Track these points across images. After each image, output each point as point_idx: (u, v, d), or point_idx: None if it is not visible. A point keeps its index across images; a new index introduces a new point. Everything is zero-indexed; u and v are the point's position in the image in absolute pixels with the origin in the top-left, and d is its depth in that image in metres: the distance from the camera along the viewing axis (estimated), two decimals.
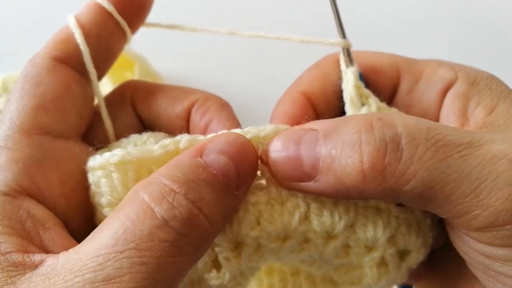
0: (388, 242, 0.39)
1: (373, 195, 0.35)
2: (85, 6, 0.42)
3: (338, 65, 0.44)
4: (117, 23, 0.42)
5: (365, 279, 0.40)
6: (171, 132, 0.43)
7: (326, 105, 0.43)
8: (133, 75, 0.76)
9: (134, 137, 0.41)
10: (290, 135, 0.37)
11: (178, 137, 0.37)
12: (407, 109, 0.43)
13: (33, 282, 0.32)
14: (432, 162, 0.33)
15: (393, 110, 0.42)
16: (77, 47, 0.40)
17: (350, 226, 0.38)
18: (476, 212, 0.33)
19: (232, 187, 0.34)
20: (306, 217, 0.37)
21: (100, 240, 0.32)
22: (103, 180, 0.37)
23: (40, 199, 0.37)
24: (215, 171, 0.34)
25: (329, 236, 0.38)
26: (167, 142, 0.37)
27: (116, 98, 0.44)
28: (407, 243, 0.39)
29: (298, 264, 0.42)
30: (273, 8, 0.88)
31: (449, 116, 0.41)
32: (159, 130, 0.43)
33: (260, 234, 0.37)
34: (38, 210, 0.36)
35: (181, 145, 0.36)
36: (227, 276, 0.38)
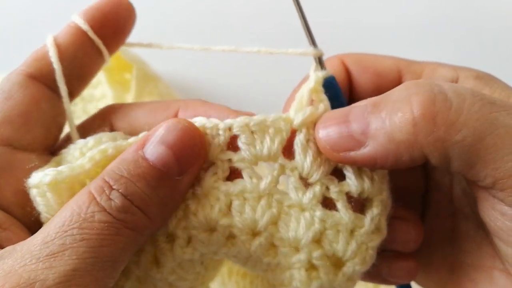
0: (313, 244, 0.38)
1: (424, 148, 0.35)
2: (64, 27, 0.44)
3: (344, 65, 0.46)
4: (94, 43, 0.44)
5: (294, 281, 0.40)
6: None
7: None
8: (132, 77, 0.76)
9: (80, 143, 0.41)
10: (337, 111, 0.39)
11: (104, 146, 0.39)
12: None
13: None
14: (481, 114, 0.33)
15: None
16: (50, 65, 0.42)
17: (274, 224, 0.39)
18: None
19: (173, 174, 0.37)
20: (227, 212, 0.38)
21: (50, 224, 0.35)
22: (38, 199, 0.38)
23: None
24: (151, 163, 0.36)
25: (253, 232, 0.39)
26: (95, 153, 0.39)
27: (94, 122, 0.45)
28: (336, 249, 0.39)
29: (238, 264, 0.43)
30: (265, 16, 0.88)
31: None
32: None
33: (186, 225, 0.39)
34: None
35: (109, 153, 0.39)
36: (165, 269, 0.40)
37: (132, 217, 0.36)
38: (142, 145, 0.37)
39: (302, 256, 0.39)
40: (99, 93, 0.83)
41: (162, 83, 0.80)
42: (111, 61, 0.77)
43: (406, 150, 0.35)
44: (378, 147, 0.36)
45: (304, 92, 0.40)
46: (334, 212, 0.39)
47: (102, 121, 0.45)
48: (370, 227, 0.39)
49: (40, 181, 0.38)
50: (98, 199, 0.35)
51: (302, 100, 0.40)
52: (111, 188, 0.36)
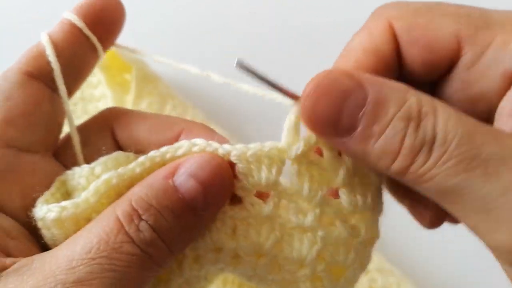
0: (317, 259, 0.40)
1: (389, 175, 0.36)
2: (58, 23, 0.43)
3: (391, 32, 0.39)
4: (88, 40, 0.43)
5: None
6: None
7: None
8: (132, 78, 0.77)
9: (86, 170, 0.40)
10: (339, 81, 0.35)
11: (107, 176, 0.38)
12: (465, 89, 0.38)
13: (4, 280, 0.34)
14: (452, 172, 0.32)
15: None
16: (48, 63, 0.41)
17: (277, 243, 0.40)
18: (489, 234, 0.33)
19: (198, 209, 0.36)
20: (233, 235, 0.39)
21: (75, 247, 0.35)
22: (43, 232, 0.38)
23: (1, 210, 0.38)
24: (181, 195, 0.36)
25: (258, 254, 0.40)
26: (99, 185, 0.38)
27: (95, 124, 0.44)
28: (337, 260, 0.41)
29: (243, 279, 0.44)
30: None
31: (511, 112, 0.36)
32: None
33: (194, 246, 0.39)
34: (3, 219, 0.37)
35: (113, 183, 0.38)
36: (173, 284, 0.41)
37: (157, 251, 0.35)
38: (172, 174, 0.36)
39: (307, 271, 0.40)
40: (99, 93, 0.83)
41: (162, 84, 0.80)
42: (111, 62, 0.78)
43: (374, 168, 0.37)
44: (352, 150, 0.36)
45: (291, 122, 0.39)
46: (333, 229, 0.40)
47: (103, 125, 0.44)
48: (366, 236, 0.41)
49: (45, 216, 0.38)
50: (126, 228, 0.35)
51: (290, 131, 0.39)
52: (139, 217, 0.35)
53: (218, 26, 0.87)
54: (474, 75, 0.37)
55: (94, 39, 0.43)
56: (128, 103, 0.76)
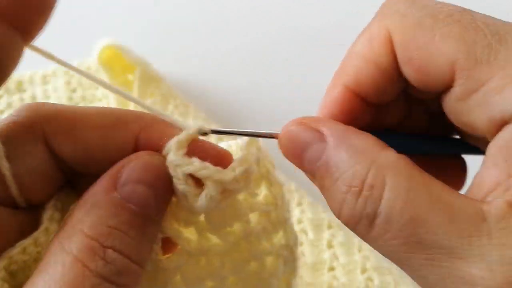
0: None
1: None
2: None
3: (390, 45, 0.37)
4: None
5: None
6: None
7: (378, 97, 0.39)
8: (135, 78, 0.77)
9: (27, 243, 0.33)
10: (301, 133, 0.36)
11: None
12: (456, 116, 0.36)
13: None
14: (396, 249, 0.32)
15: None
16: None
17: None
18: None
19: (153, 215, 0.33)
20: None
21: None
22: None
23: None
24: (134, 206, 0.32)
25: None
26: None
27: (20, 134, 0.34)
28: None
29: None
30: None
31: (498, 160, 0.32)
32: (89, 170, 0.35)
33: None
34: None
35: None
36: None
37: (131, 277, 0.32)
38: (114, 185, 0.32)
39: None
40: (100, 93, 0.83)
41: (164, 84, 0.81)
42: (114, 62, 0.79)
43: None
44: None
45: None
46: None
47: (32, 134, 0.34)
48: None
49: None
50: (92, 268, 0.29)
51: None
52: (102, 246, 0.30)
53: (219, 25, 0.88)
54: (463, 109, 0.35)
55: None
56: (130, 104, 0.77)
